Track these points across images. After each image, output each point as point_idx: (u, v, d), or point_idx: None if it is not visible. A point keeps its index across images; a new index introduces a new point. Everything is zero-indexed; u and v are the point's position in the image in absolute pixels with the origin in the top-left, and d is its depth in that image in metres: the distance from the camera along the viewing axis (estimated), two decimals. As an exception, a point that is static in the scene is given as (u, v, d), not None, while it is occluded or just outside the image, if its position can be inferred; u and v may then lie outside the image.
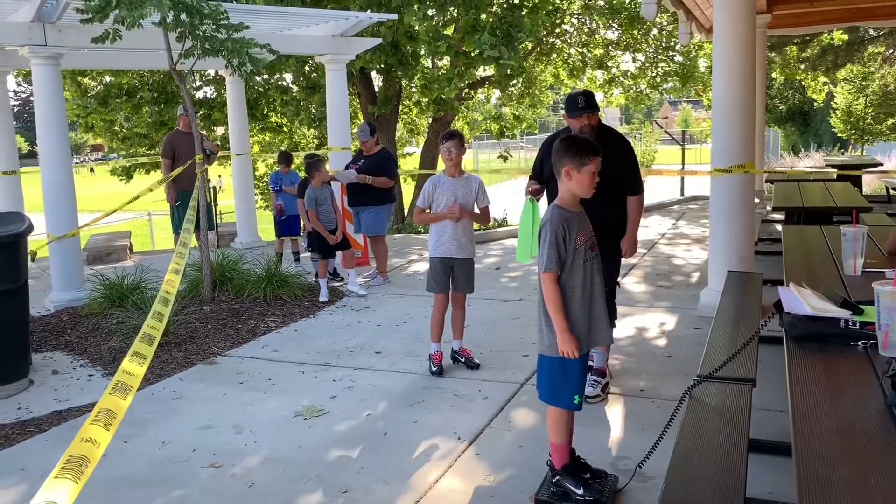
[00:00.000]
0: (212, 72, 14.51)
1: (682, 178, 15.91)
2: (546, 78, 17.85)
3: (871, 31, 17.29)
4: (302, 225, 8.43)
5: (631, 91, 17.55)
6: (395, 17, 9.51)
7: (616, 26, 16.25)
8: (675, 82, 16.82)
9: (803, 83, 20.00)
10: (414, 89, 14.88)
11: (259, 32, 6.82)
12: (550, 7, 13.66)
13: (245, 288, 6.81)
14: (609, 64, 16.95)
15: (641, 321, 5.76)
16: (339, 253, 7.32)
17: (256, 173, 14.65)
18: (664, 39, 16.20)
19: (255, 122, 14.96)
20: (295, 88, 14.64)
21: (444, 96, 12.27)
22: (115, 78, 14.37)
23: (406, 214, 14.18)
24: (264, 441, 3.92)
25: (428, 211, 4.83)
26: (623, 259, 4.45)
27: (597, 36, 16.82)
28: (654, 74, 16.86)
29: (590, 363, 4.28)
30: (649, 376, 4.57)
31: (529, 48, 15.28)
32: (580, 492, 3.04)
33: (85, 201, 6.95)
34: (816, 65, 17.06)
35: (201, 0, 5.82)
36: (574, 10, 16.05)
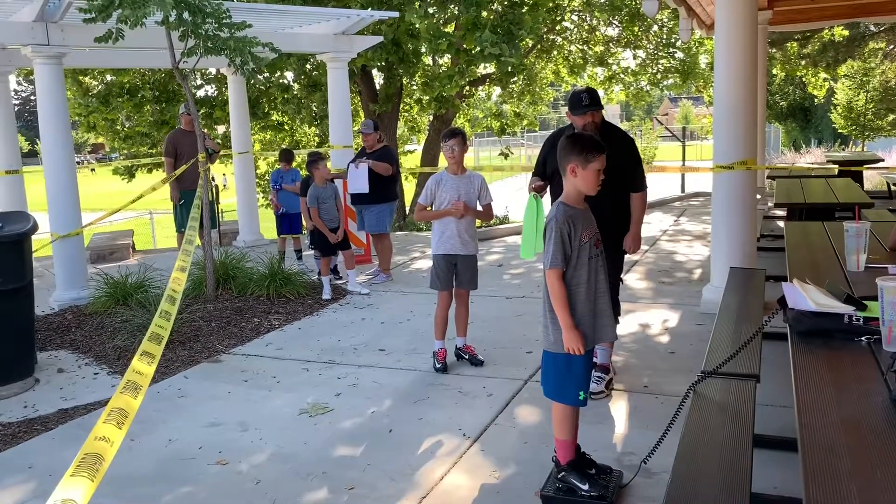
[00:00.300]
0: (213, 70, 14.52)
1: (683, 175, 15.92)
2: (547, 75, 17.86)
3: (872, 27, 17.28)
4: (304, 223, 8.44)
5: (631, 88, 17.57)
6: (396, 14, 9.52)
7: (616, 23, 16.25)
8: (676, 79, 16.83)
9: (804, 79, 19.99)
10: (415, 87, 14.89)
11: (261, 31, 6.83)
12: (551, 4, 13.66)
13: (248, 286, 6.83)
14: (609, 61, 16.97)
15: (644, 318, 5.78)
16: (340, 252, 7.33)
17: (258, 171, 14.65)
18: (664, 36, 16.21)
19: (257, 121, 14.97)
20: (296, 87, 14.65)
21: (445, 94, 12.29)
22: (116, 77, 14.38)
23: (408, 212, 14.20)
24: (270, 438, 3.94)
25: (429, 209, 4.85)
26: (626, 255, 4.46)
27: (597, 33, 16.83)
28: (654, 71, 16.87)
29: (594, 360, 4.30)
30: (652, 373, 4.59)
31: (530, 45, 15.29)
32: (585, 487, 3.06)
33: (87, 200, 6.96)
34: (817, 61, 17.05)
35: (204, -1, 5.83)
36: (574, 6, 16.05)
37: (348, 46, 8.72)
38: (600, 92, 16.95)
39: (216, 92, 15.49)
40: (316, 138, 16.69)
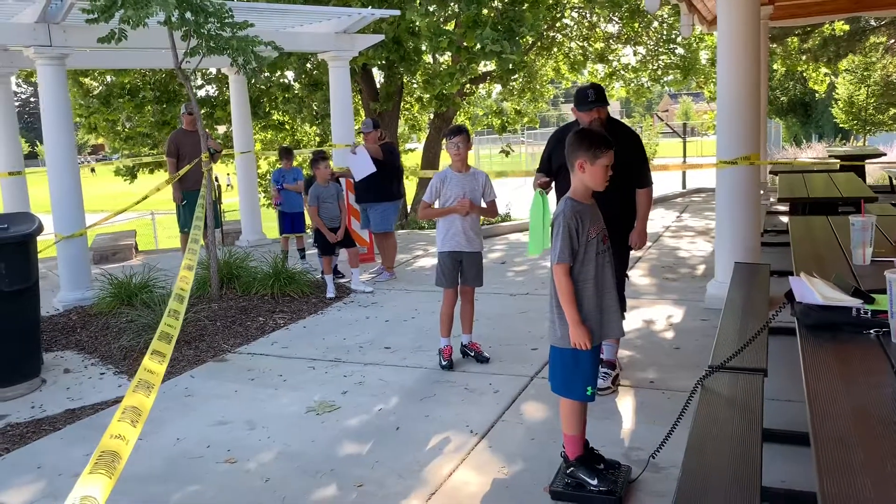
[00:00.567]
0: (213, 70, 14.52)
1: (684, 171, 15.91)
2: (547, 72, 17.85)
3: (873, 22, 17.26)
4: (308, 222, 8.46)
5: (632, 84, 17.55)
6: (397, 13, 9.52)
7: (617, 19, 16.24)
8: (676, 75, 16.81)
9: (805, 74, 19.98)
10: (416, 85, 14.89)
11: (262, 30, 6.84)
12: (551, 1, 13.65)
13: (252, 285, 6.84)
14: (610, 57, 16.95)
15: (649, 314, 5.79)
16: (343, 251, 7.33)
17: (259, 171, 14.65)
18: (665, 32, 16.19)
19: (258, 120, 14.97)
20: (297, 86, 14.64)
21: (445, 92, 12.28)
22: (116, 78, 14.38)
23: (409, 211, 14.20)
24: (278, 436, 3.95)
25: (434, 206, 4.85)
26: (631, 251, 4.47)
27: (597, 29, 16.81)
28: (654, 67, 16.85)
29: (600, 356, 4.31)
30: (658, 368, 4.59)
31: (530, 42, 15.28)
32: (594, 482, 3.07)
33: (88, 201, 6.95)
34: (818, 56, 17.04)
35: (206, -2, 5.84)
36: (575, 3, 16.03)
37: (350, 45, 8.72)
38: (601, 89, 16.94)
39: (217, 92, 15.49)
40: (317, 137, 16.68)
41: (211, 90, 15.78)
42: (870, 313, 2.48)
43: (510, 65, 11.09)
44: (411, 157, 20.08)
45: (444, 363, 4.79)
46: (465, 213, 4.71)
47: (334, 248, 7.01)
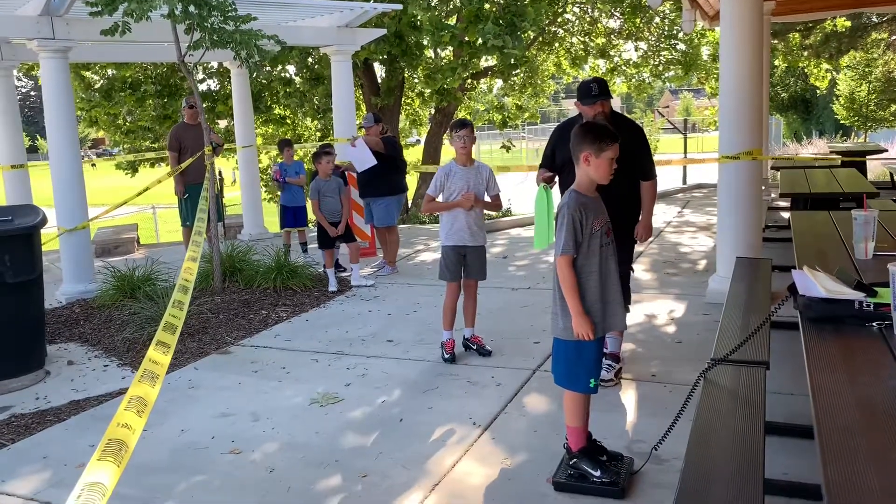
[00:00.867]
0: (215, 64, 14.52)
1: (685, 167, 15.93)
2: (548, 67, 17.84)
3: (874, 18, 17.25)
4: (310, 216, 8.46)
5: (633, 80, 17.54)
6: (399, 7, 9.53)
7: (618, 15, 16.23)
8: (678, 70, 16.80)
9: (806, 70, 19.97)
10: (417, 80, 14.88)
11: (264, 24, 6.84)
12: (553, -5, 13.65)
13: (255, 279, 6.86)
14: (611, 53, 16.94)
15: (650, 308, 5.80)
16: (344, 245, 7.35)
17: (260, 165, 14.65)
18: (666, 27, 16.18)
19: (259, 115, 14.97)
20: (298, 80, 14.64)
21: (447, 87, 12.28)
22: (118, 71, 14.38)
23: (411, 205, 14.21)
24: (282, 428, 3.97)
25: (438, 200, 4.87)
26: (636, 244, 4.49)
27: (599, 25, 16.80)
28: (656, 63, 16.85)
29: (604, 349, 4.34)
30: (660, 362, 4.61)
31: (532, 37, 15.27)
32: (597, 474, 3.09)
33: (89, 195, 6.96)
34: (819, 52, 17.02)
35: (209, -8, 5.84)
36: (576, -2, 16.05)
37: (352, 39, 8.72)
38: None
39: (218, 86, 15.48)
40: (318, 132, 16.68)
41: (213, 84, 15.78)
42: (872, 306, 2.49)
43: (512, 60, 11.10)
44: (412, 152, 20.08)
45: (446, 356, 4.81)
46: (470, 207, 4.72)
47: (334, 242, 7.02)
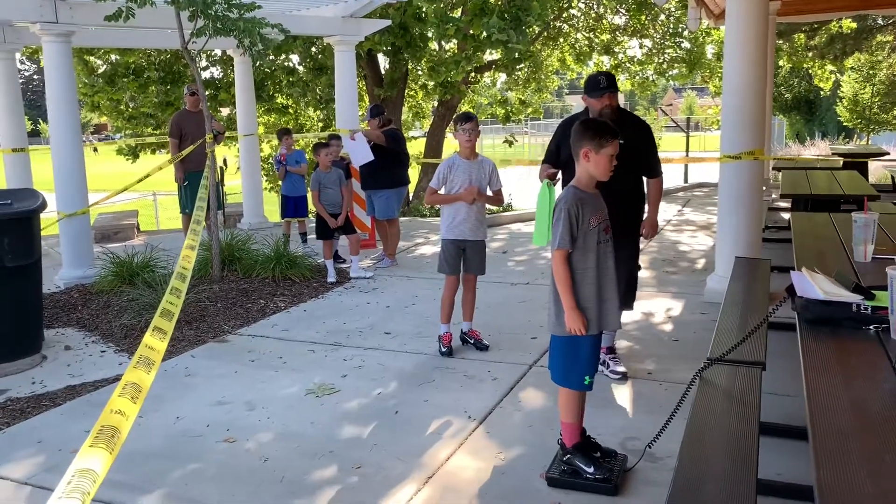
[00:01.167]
0: (218, 52, 14.48)
1: (686, 165, 15.92)
2: (552, 63, 17.81)
3: (880, 20, 17.19)
4: (311, 207, 8.44)
5: (637, 77, 17.51)
6: (404, -2, 9.51)
7: (624, 11, 16.18)
8: (682, 69, 16.77)
9: (810, 71, 19.92)
10: (421, 72, 14.85)
11: (268, 12, 6.83)
12: (559, -9, 13.62)
13: (254, 268, 6.86)
14: (616, 49, 16.90)
15: (648, 306, 5.80)
16: (344, 237, 7.35)
17: (262, 154, 14.62)
18: (672, 25, 16.14)
19: (261, 104, 14.94)
20: (301, 69, 14.61)
21: (450, 80, 12.26)
22: (121, 57, 14.35)
23: (412, 198, 14.20)
24: (277, 417, 3.97)
25: (440, 193, 4.86)
26: (644, 240, 4.50)
27: (604, 21, 16.76)
28: (660, 61, 16.81)
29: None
30: (657, 360, 4.61)
31: (537, 32, 15.23)
32: (590, 470, 3.09)
33: (90, 180, 6.96)
34: (824, 53, 16.97)
35: (214, -21, 5.83)
36: (582, -6, 16.01)
37: (356, 30, 8.70)
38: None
39: (221, 74, 15.45)
40: (320, 122, 16.65)
41: (216, 72, 15.74)
42: (870, 309, 2.49)
43: (516, 54, 11.06)
44: (415, 145, 20.05)
45: (443, 350, 4.81)
46: (472, 200, 4.71)
47: (333, 233, 7.02)
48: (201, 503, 3.17)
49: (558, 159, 4.23)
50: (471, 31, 11.09)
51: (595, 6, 16.55)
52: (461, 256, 4.83)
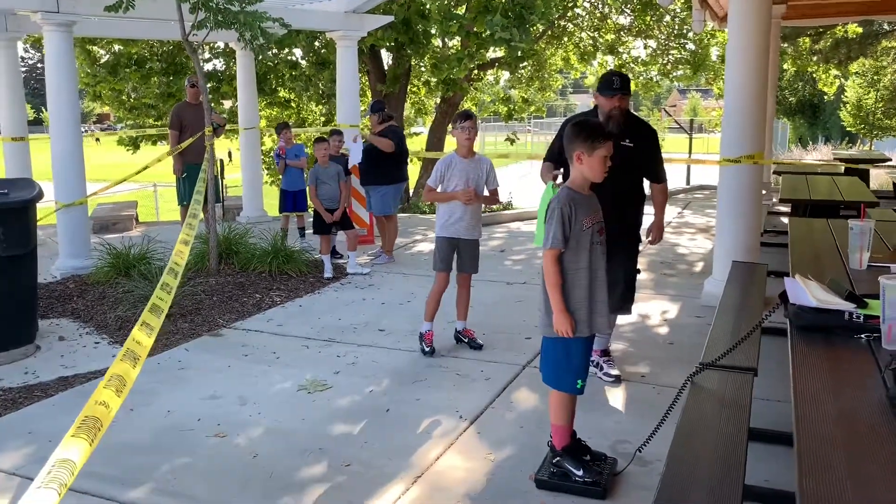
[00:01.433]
0: (221, 44, 14.46)
1: (689, 167, 15.88)
2: (556, 62, 17.76)
3: (886, 26, 17.15)
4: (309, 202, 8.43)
5: (641, 78, 17.46)
6: (408, -6, 9.48)
7: (629, 11, 16.14)
8: (686, 70, 16.73)
9: (814, 76, 19.88)
10: (423, 68, 14.82)
11: (271, 6, 6.81)
12: (564, -11, 13.58)
13: (251, 262, 6.85)
14: (620, 49, 16.86)
15: (644, 308, 5.79)
16: (342, 232, 7.34)
17: (263, 148, 14.62)
18: (677, 26, 16.09)
19: (264, 97, 14.92)
20: (304, 64, 14.59)
21: (453, 77, 12.23)
22: (124, 47, 14.33)
23: (411, 195, 14.18)
24: (268, 413, 3.97)
25: (438, 190, 4.84)
26: (651, 245, 4.51)
27: (609, 21, 16.71)
28: (664, 62, 16.77)
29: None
30: (651, 363, 4.60)
31: (541, 31, 15.19)
32: (580, 473, 3.08)
33: (91, 171, 6.96)
34: (829, 57, 16.93)
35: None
36: (587, -7, 15.96)
37: (358, 25, 8.68)
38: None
39: (224, 66, 15.43)
40: (322, 117, 16.64)
41: (218, 64, 15.73)
42: (862, 317, 2.48)
43: (519, 52, 11.03)
44: (416, 142, 20.03)
45: (426, 349, 4.76)
46: (470, 202, 4.69)
47: (330, 228, 7.01)
48: (189, 498, 3.16)
49: (561, 158, 4.22)
50: (474, 29, 11.06)
51: (600, 6, 16.50)
52: (454, 254, 4.81)
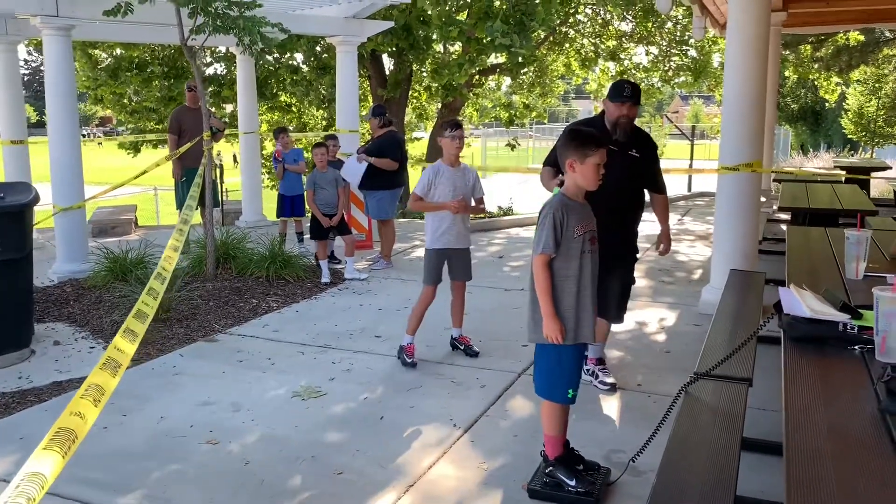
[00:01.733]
0: (222, 48, 14.48)
1: (690, 174, 15.87)
2: (558, 68, 17.77)
3: (887, 33, 17.15)
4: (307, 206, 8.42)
5: (643, 84, 17.46)
6: (408, 0, 9.46)
7: (630, 18, 16.15)
8: (688, 77, 16.73)
9: (816, 83, 19.88)
10: (424, 74, 14.83)
11: (271, 11, 6.81)
12: (565, -4, 13.58)
13: (248, 267, 6.83)
14: (622, 56, 16.87)
15: (642, 316, 5.77)
16: (340, 237, 7.33)
17: (264, 152, 14.62)
18: (678, 33, 16.10)
19: (264, 101, 14.93)
20: (305, 68, 14.60)
21: (454, 82, 12.23)
22: (125, 51, 14.35)
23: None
24: (262, 420, 3.95)
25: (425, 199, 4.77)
26: (661, 255, 4.53)
27: (610, 27, 16.72)
28: (666, 68, 16.77)
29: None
30: (647, 371, 4.58)
31: (542, 37, 15.20)
32: (572, 483, 3.06)
33: (92, 174, 6.96)
34: (830, 65, 16.94)
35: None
36: (589, 0, 15.96)
37: (358, 30, 8.68)
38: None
39: (225, 70, 15.45)
40: (323, 121, 16.64)
41: (219, 68, 15.74)
42: (856, 329, 2.46)
43: (520, 58, 11.03)
44: (417, 146, 20.02)
45: (408, 361, 4.69)
46: (457, 212, 4.66)
47: (327, 233, 7.00)
48: (179, 505, 3.14)
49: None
50: (475, 35, 11.06)
51: (601, 12, 16.52)
52: (443, 265, 4.78)
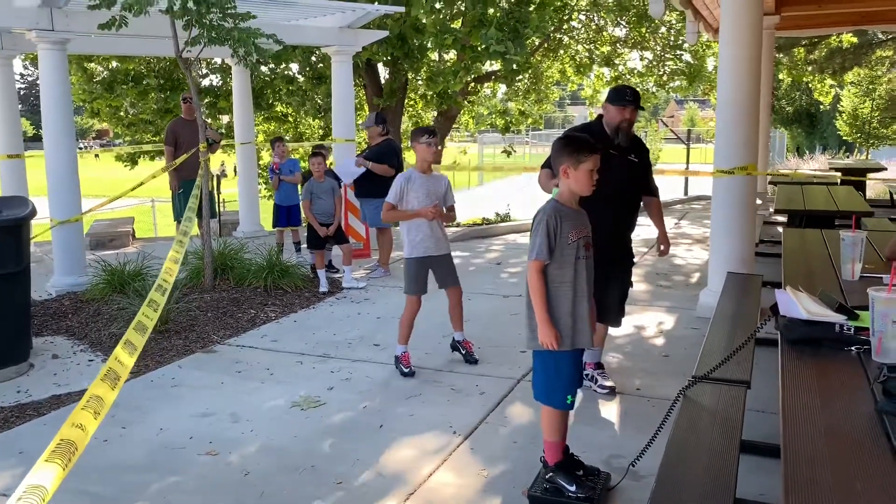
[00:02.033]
0: (218, 60, 14.51)
1: (686, 178, 15.90)
2: (553, 74, 17.82)
3: (880, 35, 17.21)
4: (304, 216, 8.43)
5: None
6: (402, 9, 9.51)
7: (624, 23, 16.20)
8: (682, 81, 16.78)
9: (810, 85, 19.94)
10: (420, 82, 14.87)
11: (265, 22, 6.82)
12: (558, 3, 13.63)
13: (246, 277, 6.84)
14: (616, 61, 16.92)
15: (640, 320, 5.77)
16: (337, 247, 7.34)
17: (261, 163, 14.64)
18: (672, 38, 16.16)
19: (260, 112, 14.96)
20: (301, 78, 14.63)
21: (449, 90, 12.26)
22: (121, 64, 14.38)
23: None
24: (261, 430, 3.94)
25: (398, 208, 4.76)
26: (661, 256, 4.55)
27: (604, 33, 16.78)
28: (661, 73, 16.82)
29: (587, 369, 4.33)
30: (645, 375, 4.58)
31: (536, 44, 15.25)
32: (572, 489, 3.06)
33: (89, 186, 6.98)
34: (824, 67, 17.00)
35: (208, -12, 5.83)
36: (582, 6, 16.01)
37: (353, 40, 8.70)
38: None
39: (221, 81, 15.48)
40: (320, 130, 16.67)
41: (215, 79, 15.77)
42: (853, 330, 2.47)
43: (514, 66, 11.06)
44: (412, 155, 20.03)
45: (405, 370, 4.69)
46: (432, 219, 4.66)
47: (324, 243, 7.01)
48: (179, 517, 3.13)
49: None
50: (469, 42, 11.10)
51: (595, 18, 16.57)
52: (427, 274, 4.78)
